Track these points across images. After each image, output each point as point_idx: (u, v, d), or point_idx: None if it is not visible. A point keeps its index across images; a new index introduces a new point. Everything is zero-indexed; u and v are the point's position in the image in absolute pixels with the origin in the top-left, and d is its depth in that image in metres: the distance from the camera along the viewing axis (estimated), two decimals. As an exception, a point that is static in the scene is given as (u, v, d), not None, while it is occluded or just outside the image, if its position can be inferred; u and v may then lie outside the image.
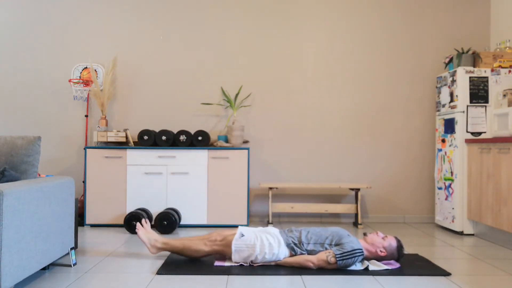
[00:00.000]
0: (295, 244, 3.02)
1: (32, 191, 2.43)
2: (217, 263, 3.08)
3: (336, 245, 2.98)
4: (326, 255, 2.91)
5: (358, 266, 2.96)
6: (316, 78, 5.05)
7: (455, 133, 4.32)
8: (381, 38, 5.06)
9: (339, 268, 2.92)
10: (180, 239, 3.21)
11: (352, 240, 2.98)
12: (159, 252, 3.26)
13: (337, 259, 2.88)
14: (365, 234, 3.12)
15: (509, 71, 4.25)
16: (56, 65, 5.04)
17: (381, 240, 3.04)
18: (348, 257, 2.88)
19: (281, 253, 3.01)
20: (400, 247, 3.04)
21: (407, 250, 3.59)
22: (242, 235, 3.05)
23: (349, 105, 5.04)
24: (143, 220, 3.32)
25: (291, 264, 2.98)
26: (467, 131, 4.26)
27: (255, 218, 5.01)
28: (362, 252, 2.93)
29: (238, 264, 3.03)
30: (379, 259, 3.05)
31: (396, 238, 3.08)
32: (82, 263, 3.10)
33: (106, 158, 4.52)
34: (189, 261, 3.13)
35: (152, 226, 4.49)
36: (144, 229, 3.27)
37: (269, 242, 3.00)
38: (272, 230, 3.13)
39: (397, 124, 5.03)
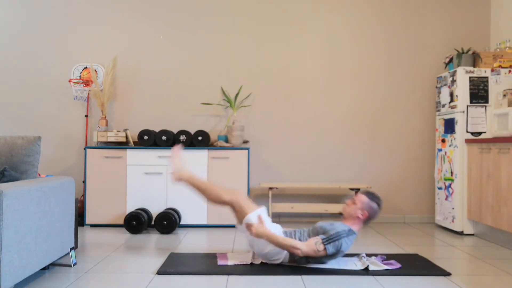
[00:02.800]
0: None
1: (32, 191, 2.43)
2: (219, 262, 3.08)
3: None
4: (314, 242, 2.88)
5: (358, 266, 2.96)
6: (316, 78, 5.05)
7: (455, 133, 4.32)
8: (381, 38, 5.06)
9: (332, 255, 2.90)
10: (205, 181, 3.22)
11: (334, 224, 2.98)
12: (180, 182, 3.26)
13: (324, 243, 2.86)
14: (341, 214, 3.11)
15: (509, 71, 4.25)
16: (56, 65, 5.04)
17: (354, 206, 3.07)
18: (334, 239, 2.88)
19: (279, 250, 3.00)
20: (371, 197, 3.05)
21: (407, 250, 3.59)
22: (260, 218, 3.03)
23: (349, 105, 5.04)
24: (179, 145, 3.41)
25: (279, 242, 2.88)
26: (467, 131, 4.26)
27: (255, 218, 5.00)
28: (349, 231, 2.94)
29: (241, 263, 3.04)
30: (367, 221, 3.06)
31: (364, 192, 3.09)
32: (82, 263, 3.10)
33: (106, 158, 4.52)
34: (189, 261, 3.13)
35: (151, 226, 4.49)
36: (178, 153, 3.32)
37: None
38: (278, 227, 3.14)
39: (396, 124, 5.03)
